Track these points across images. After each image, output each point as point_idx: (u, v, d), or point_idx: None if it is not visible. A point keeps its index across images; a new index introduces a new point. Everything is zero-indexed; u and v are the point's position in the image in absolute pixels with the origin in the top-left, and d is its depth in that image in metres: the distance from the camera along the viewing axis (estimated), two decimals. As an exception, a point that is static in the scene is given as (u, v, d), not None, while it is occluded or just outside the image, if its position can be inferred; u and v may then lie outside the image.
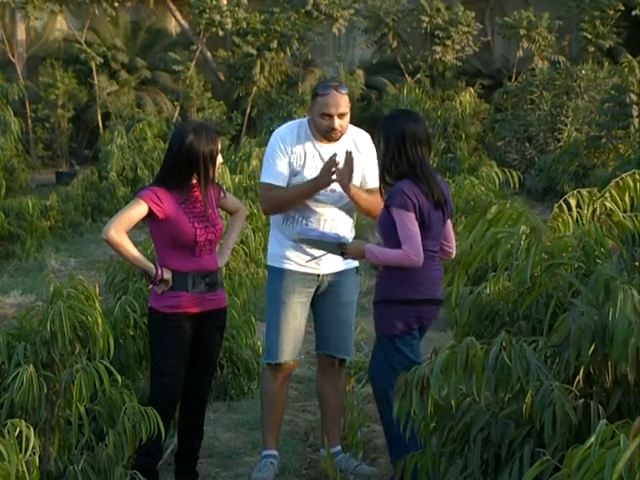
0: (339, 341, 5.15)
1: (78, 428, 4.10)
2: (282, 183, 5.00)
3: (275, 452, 5.18)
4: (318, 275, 5.07)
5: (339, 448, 5.21)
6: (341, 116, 4.96)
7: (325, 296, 5.12)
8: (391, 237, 4.55)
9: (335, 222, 5.03)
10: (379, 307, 4.66)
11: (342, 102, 4.95)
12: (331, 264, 5.06)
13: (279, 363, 5.08)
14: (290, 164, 5.00)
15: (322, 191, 4.96)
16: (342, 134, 5.02)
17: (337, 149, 5.02)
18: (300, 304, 5.07)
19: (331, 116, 4.94)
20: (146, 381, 5.23)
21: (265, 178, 5.06)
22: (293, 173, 5.01)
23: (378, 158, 4.77)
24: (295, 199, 5.00)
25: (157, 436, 4.14)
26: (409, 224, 4.49)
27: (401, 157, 4.59)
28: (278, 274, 5.08)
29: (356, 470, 5.08)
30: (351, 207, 5.09)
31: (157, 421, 4.09)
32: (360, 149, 5.08)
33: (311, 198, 4.97)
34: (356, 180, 5.03)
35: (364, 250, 4.64)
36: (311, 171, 4.99)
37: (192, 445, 4.93)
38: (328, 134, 4.99)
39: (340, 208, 5.04)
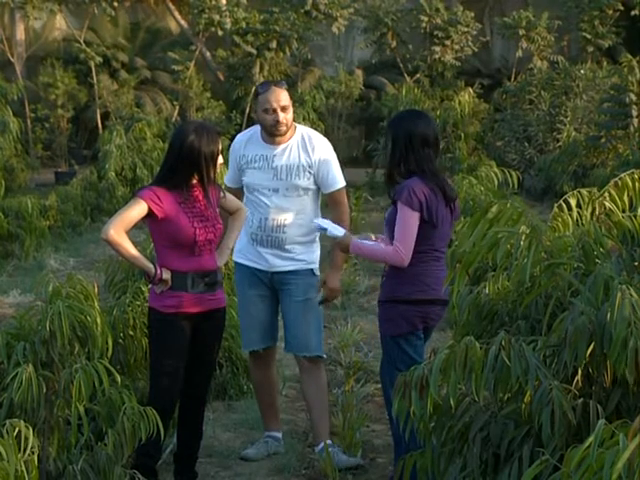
0: (295, 339, 5.27)
1: (77, 428, 4.10)
2: (232, 185, 5.39)
3: (274, 433, 5.39)
4: (267, 272, 5.26)
5: (329, 442, 5.18)
6: (284, 109, 5.14)
7: (281, 295, 5.31)
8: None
9: (279, 224, 5.18)
10: (384, 306, 4.66)
11: (282, 96, 5.15)
12: (278, 264, 5.24)
13: (250, 351, 5.37)
14: (239, 166, 5.31)
15: (265, 191, 5.20)
16: (287, 128, 5.18)
17: (284, 150, 5.21)
18: (258, 296, 5.30)
19: (274, 110, 5.13)
20: (145, 381, 5.23)
21: (224, 179, 5.57)
22: (242, 173, 5.31)
23: (385, 157, 4.86)
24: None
25: (156, 436, 4.14)
26: (409, 223, 4.49)
27: (409, 157, 4.61)
28: (237, 268, 5.43)
29: (338, 463, 5.04)
30: (303, 210, 5.21)
31: (156, 421, 4.09)
32: (309, 149, 5.23)
33: (256, 196, 5.24)
34: (305, 184, 5.19)
35: (348, 243, 4.69)
36: (252, 172, 5.25)
37: (191, 445, 4.93)
38: (274, 128, 5.16)
39: (285, 210, 5.18)
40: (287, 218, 5.18)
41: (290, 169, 5.18)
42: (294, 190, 5.19)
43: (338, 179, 5.27)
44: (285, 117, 5.13)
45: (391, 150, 4.68)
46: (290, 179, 5.18)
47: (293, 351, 5.34)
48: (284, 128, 5.15)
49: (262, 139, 5.25)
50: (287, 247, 5.20)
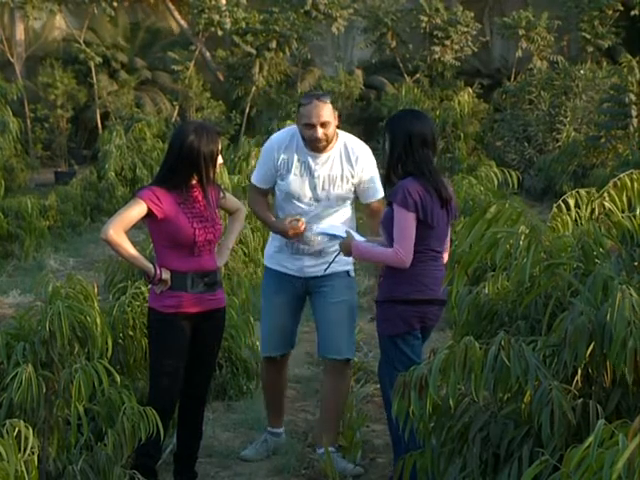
0: (329, 341, 5.18)
1: (77, 428, 4.10)
2: (262, 185, 5.26)
3: (275, 429, 5.42)
4: (300, 278, 5.18)
5: (331, 449, 5.14)
6: (324, 125, 5.02)
7: (315, 297, 5.23)
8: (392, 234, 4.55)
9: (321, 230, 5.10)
10: (382, 307, 4.66)
11: (324, 112, 5.02)
12: (314, 270, 5.16)
13: (267, 357, 5.34)
14: (277, 169, 5.16)
15: (307, 200, 5.11)
16: (327, 143, 5.09)
17: (326, 159, 5.11)
18: (284, 304, 5.22)
19: (313, 126, 5.01)
20: (145, 381, 5.23)
21: (252, 177, 5.39)
22: (280, 177, 5.16)
23: (384, 157, 4.79)
24: (263, 222, 5.52)
25: (156, 436, 4.14)
26: (406, 224, 4.49)
27: (407, 157, 4.60)
28: (267, 272, 5.33)
29: (336, 469, 5.02)
30: (341, 219, 5.15)
31: (156, 421, 4.10)
32: (352, 160, 5.13)
33: (295, 204, 5.14)
34: (346, 194, 5.12)
35: (350, 246, 4.68)
36: (292, 178, 5.12)
37: (191, 445, 4.93)
38: (312, 144, 5.07)
39: (325, 221, 5.11)
40: (333, 226, 5.08)
41: (333, 180, 5.10)
42: (335, 200, 5.13)
43: (379, 189, 5.19)
44: (325, 133, 5.02)
45: (389, 150, 4.67)
46: (333, 190, 5.10)
47: (324, 354, 5.23)
48: (323, 144, 5.06)
49: (304, 144, 5.12)
50: (323, 255, 5.13)
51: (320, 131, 5.01)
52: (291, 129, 5.25)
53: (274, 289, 5.24)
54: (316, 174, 5.09)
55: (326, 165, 5.10)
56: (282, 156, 5.14)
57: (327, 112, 5.02)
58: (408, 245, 4.49)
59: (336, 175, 5.10)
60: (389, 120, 4.81)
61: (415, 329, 4.62)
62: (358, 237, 4.81)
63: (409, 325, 4.59)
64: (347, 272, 5.23)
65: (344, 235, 4.81)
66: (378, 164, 5.22)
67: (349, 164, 5.12)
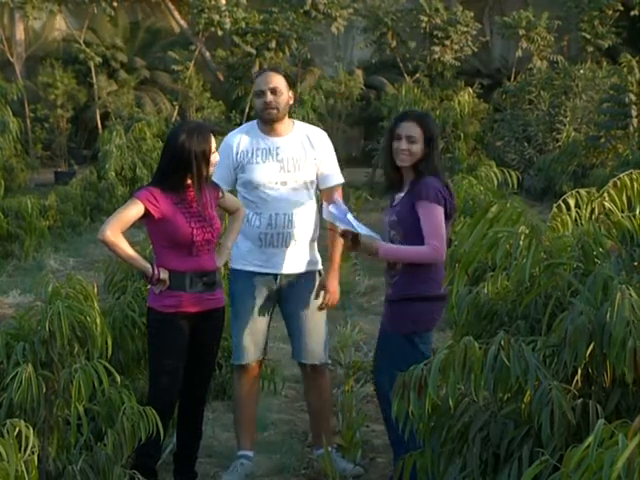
0: (308, 349, 5.13)
1: (77, 428, 4.10)
2: (223, 186, 5.04)
3: (248, 453, 5.18)
4: (276, 276, 5.08)
5: (330, 449, 5.13)
6: (274, 92, 5.02)
7: (287, 301, 5.13)
8: (413, 232, 4.54)
9: (290, 219, 5.04)
10: (398, 305, 4.62)
11: (273, 79, 5.04)
12: (288, 264, 5.07)
13: (243, 364, 5.14)
14: (236, 164, 5.10)
15: (273, 185, 5.04)
16: (279, 112, 5.04)
17: (287, 142, 5.09)
18: (259, 307, 5.09)
19: (263, 92, 5.02)
20: (145, 381, 5.23)
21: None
22: (241, 170, 5.10)
23: (429, 154, 4.67)
24: None
25: (156, 436, 4.14)
26: (439, 218, 4.53)
27: (435, 157, 4.66)
28: (236, 276, 5.15)
29: (342, 470, 5.02)
30: (309, 204, 5.12)
31: (156, 421, 4.10)
32: (315, 146, 5.13)
33: (262, 191, 5.05)
34: (311, 177, 5.10)
35: (377, 247, 4.56)
36: (256, 167, 5.06)
37: (191, 445, 4.93)
38: (264, 113, 5.04)
39: (295, 204, 5.06)
40: (297, 212, 5.04)
41: (297, 161, 5.07)
42: (302, 182, 5.08)
43: (339, 174, 5.21)
44: (275, 99, 5.00)
45: (430, 149, 4.65)
46: (298, 171, 5.06)
47: (297, 358, 5.20)
48: (274, 111, 5.02)
49: (262, 132, 5.11)
50: (296, 244, 5.05)
51: (269, 97, 5.00)
52: (245, 125, 5.27)
53: (246, 292, 5.09)
54: (279, 157, 5.06)
55: (288, 148, 5.08)
56: (240, 149, 5.10)
57: (277, 80, 5.04)
58: (443, 240, 4.53)
59: (300, 157, 5.08)
60: (427, 118, 4.78)
61: (433, 325, 4.66)
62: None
63: (431, 322, 4.63)
64: (319, 272, 5.19)
65: (354, 229, 4.70)
66: (379, 164, 5.23)
67: (311, 146, 5.12)
